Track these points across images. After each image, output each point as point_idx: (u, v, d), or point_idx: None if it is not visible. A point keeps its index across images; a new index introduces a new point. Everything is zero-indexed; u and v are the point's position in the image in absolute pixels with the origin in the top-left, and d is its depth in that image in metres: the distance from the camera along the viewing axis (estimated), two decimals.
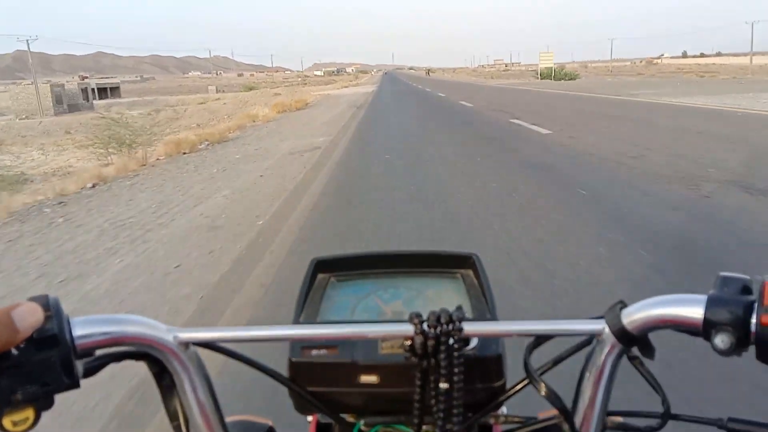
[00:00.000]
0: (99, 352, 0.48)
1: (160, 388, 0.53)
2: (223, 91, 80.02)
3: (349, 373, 0.54)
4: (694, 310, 0.45)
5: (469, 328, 0.49)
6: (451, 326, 0.48)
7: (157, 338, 0.49)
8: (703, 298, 0.45)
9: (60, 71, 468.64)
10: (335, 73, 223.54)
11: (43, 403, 0.42)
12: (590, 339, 0.52)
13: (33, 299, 0.43)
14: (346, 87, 46.18)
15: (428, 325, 0.49)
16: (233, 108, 35.28)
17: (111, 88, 72.15)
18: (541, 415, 0.59)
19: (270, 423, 0.71)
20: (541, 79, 52.13)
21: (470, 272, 0.70)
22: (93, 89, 66.98)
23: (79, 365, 0.45)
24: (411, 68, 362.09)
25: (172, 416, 0.54)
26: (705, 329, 0.44)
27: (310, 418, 0.67)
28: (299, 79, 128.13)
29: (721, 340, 0.43)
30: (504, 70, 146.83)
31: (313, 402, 0.55)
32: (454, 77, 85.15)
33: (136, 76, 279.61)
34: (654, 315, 0.47)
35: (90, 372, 0.47)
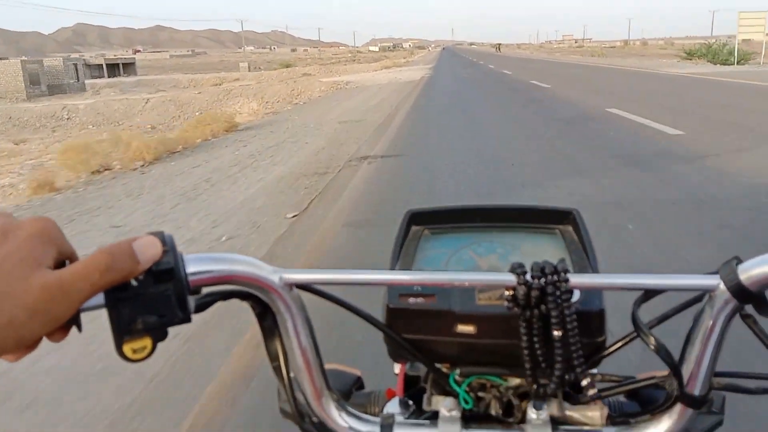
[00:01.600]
0: (207, 290, 0.49)
1: (262, 329, 0.54)
2: (260, 68, 70.49)
3: (446, 322, 0.53)
4: None
5: (574, 280, 0.48)
6: (555, 277, 0.47)
7: (264, 278, 0.50)
8: None
9: (117, 44, 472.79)
10: (391, 48, 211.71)
11: (158, 333, 0.43)
12: (700, 297, 0.50)
13: (151, 234, 0.44)
14: (388, 69, 34.93)
15: (532, 276, 0.48)
16: (220, 99, 24.16)
17: (125, 64, 61.97)
18: (639, 376, 0.56)
19: (359, 373, 0.70)
20: (690, 58, 32.90)
21: (569, 228, 0.67)
22: (102, 65, 57.88)
23: (192, 300, 0.46)
24: (472, 44, 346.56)
25: (273, 356, 0.55)
26: None
27: (397, 369, 0.65)
28: (349, 55, 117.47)
29: None
30: (577, 47, 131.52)
31: (409, 349, 0.55)
32: (526, 54, 71.94)
33: (188, 51, 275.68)
34: None
35: (200, 308, 0.48)
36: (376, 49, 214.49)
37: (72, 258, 0.44)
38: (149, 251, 0.43)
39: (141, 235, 0.44)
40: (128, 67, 63.71)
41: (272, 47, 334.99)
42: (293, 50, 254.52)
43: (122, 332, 0.42)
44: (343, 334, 2.20)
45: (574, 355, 0.49)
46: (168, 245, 0.44)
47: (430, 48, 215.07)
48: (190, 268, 0.46)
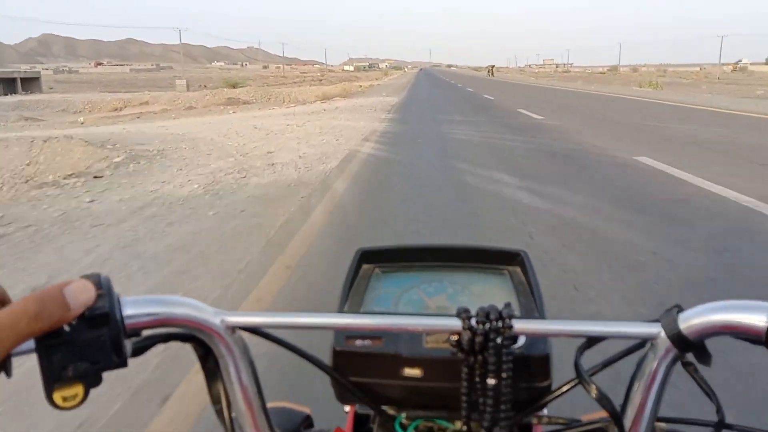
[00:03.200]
0: (146, 333, 0.48)
1: (204, 371, 0.53)
2: (204, 87, 59.31)
3: (393, 366, 0.54)
4: (757, 318, 0.43)
5: (518, 325, 0.48)
6: (500, 323, 0.47)
7: (205, 321, 0.49)
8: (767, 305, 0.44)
9: (84, 57, 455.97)
10: (367, 68, 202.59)
11: (92, 380, 0.42)
12: (643, 342, 0.50)
13: (85, 277, 0.43)
14: (329, 100, 23.26)
15: (477, 321, 0.48)
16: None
17: (25, 79, 49.53)
18: (585, 418, 0.57)
19: (308, 411, 0.71)
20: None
21: (518, 269, 0.68)
22: None
23: (128, 344, 0.45)
24: (450, 66, 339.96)
25: (215, 399, 0.54)
26: None
27: (347, 408, 0.66)
28: (319, 74, 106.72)
29: None
30: (563, 72, 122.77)
31: (355, 392, 0.55)
32: (518, 78, 61.64)
33: (152, 65, 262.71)
34: (714, 321, 0.45)
35: (138, 352, 0.47)
36: (351, 68, 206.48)
37: (2, 300, 0.42)
38: (81, 296, 0.41)
39: (74, 279, 0.41)
40: (31, 82, 51.29)
41: (244, 63, 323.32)
42: (265, 67, 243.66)
43: (53, 380, 0.41)
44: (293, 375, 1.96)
45: (502, 407, 0.49)
46: (104, 288, 0.43)
47: (406, 69, 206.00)
48: (127, 311, 0.45)
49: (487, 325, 0.47)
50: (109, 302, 0.42)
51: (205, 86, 61.52)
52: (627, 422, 0.50)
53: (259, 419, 0.54)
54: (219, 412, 0.53)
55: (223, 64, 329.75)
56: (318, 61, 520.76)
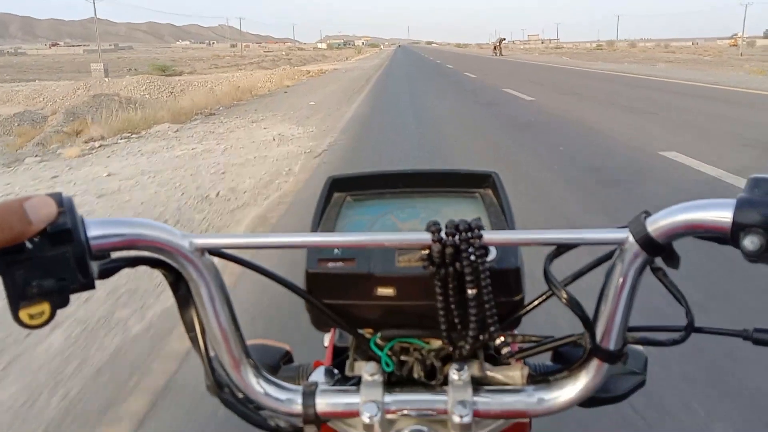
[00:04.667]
0: (114, 255, 0.47)
1: (176, 298, 0.53)
2: (135, 70, 47.86)
3: (366, 286, 0.54)
4: (722, 214, 0.43)
5: (488, 236, 0.48)
6: (469, 234, 0.47)
7: (172, 242, 0.48)
8: (732, 201, 0.43)
9: (43, 37, 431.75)
10: (341, 45, 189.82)
11: (58, 299, 0.41)
12: (611, 254, 0.51)
13: (47, 194, 0.42)
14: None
15: (446, 233, 0.48)
16: None
17: None
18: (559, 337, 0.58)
19: (287, 347, 0.70)
20: None
21: (489, 191, 0.69)
22: None
23: (94, 266, 0.44)
24: (430, 42, 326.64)
25: (189, 327, 0.53)
26: (733, 233, 0.43)
27: (326, 342, 0.66)
28: (282, 53, 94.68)
29: (751, 241, 0.42)
30: (555, 48, 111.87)
31: (329, 314, 0.55)
32: (523, 57, 50.37)
33: (110, 44, 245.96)
34: (680, 220, 0.45)
35: (105, 274, 0.46)
36: (324, 46, 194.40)
37: None
38: (42, 211, 0.40)
39: (34, 194, 0.41)
40: None
41: (211, 42, 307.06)
42: (233, 45, 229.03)
43: (17, 297, 0.40)
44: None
45: (488, 314, 0.49)
46: (65, 206, 0.42)
47: (382, 46, 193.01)
48: (92, 232, 0.44)
49: (457, 237, 0.47)
50: (72, 220, 0.42)
51: (136, 70, 50.26)
52: (598, 331, 0.51)
53: (234, 347, 0.54)
54: (193, 339, 0.53)
55: (188, 42, 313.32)
56: (292, 39, 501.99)
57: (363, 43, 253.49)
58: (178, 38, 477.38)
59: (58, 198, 0.42)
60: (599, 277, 0.52)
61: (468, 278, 0.48)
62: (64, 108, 14.32)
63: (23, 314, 0.41)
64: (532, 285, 0.54)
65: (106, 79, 37.62)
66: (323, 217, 0.64)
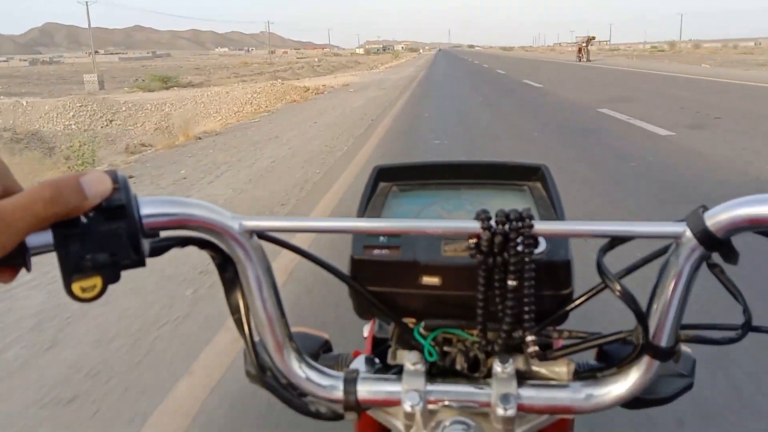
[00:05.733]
0: (164, 234, 0.47)
1: (222, 280, 0.53)
2: (140, 79, 41.51)
3: (411, 274, 0.53)
4: None
5: (539, 226, 0.47)
6: (520, 224, 0.46)
7: (222, 224, 0.48)
8: None
9: (87, 45, 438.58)
10: (379, 51, 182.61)
11: (110, 273, 0.42)
12: (666, 248, 0.50)
13: (102, 171, 0.43)
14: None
15: (496, 222, 0.47)
16: None
17: None
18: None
19: (326, 336, 0.69)
20: None
21: (538, 184, 0.67)
22: None
23: (146, 243, 0.45)
24: (472, 46, 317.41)
25: (234, 309, 0.53)
26: None
27: (366, 333, 0.65)
28: (316, 60, 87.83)
29: None
30: (611, 50, 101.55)
31: (373, 302, 0.55)
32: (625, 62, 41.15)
33: (148, 52, 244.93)
34: (741, 214, 0.43)
35: (155, 252, 0.46)
36: (361, 51, 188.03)
37: (15, 188, 0.42)
38: (98, 187, 0.41)
39: (90, 170, 0.41)
40: None
41: (250, 49, 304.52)
42: (271, 52, 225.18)
43: (71, 270, 0.41)
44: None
45: (525, 309, 0.48)
46: (120, 183, 0.42)
47: (421, 50, 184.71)
48: (144, 210, 0.44)
49: (507, 226, 0.46)
50: (126, 196, 0.42)
51: (143, 80, 43.84)
52: (651, 327, 0.49)
53: (279, 331, 0.54)
54: (238, 321, 0.53)
55: (227, 50, 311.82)
56: (334, 45, 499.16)
57: (402, 47, 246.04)
58: (219, 45, 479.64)
59: (114, 175, 0.42)
60: (652, 273, 0.50)
61: (512, 268, 0.47)
62: None
63: (75, 287, 0.41)
64: (580, 280, 0.53)
65: (97, 93, 31.41)
66: (368, 206, 0.63)
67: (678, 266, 0.47)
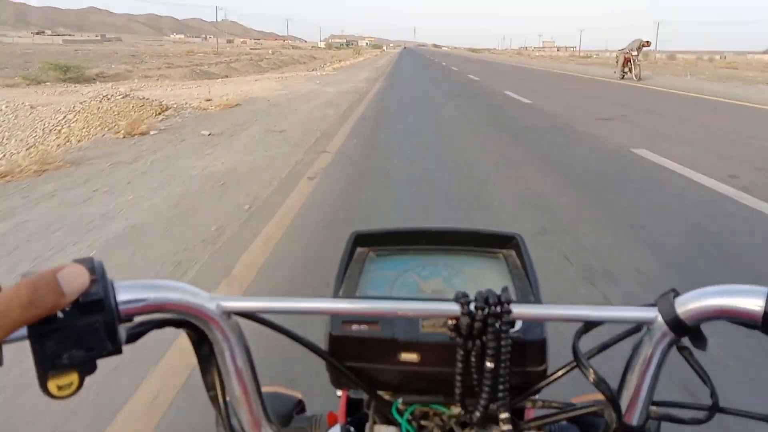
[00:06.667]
0: (140, 318, 0.46)
1: (198, 357, 0.52)
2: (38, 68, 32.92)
3: (389, 350, 0.54)
4: (754, 302, 0.43)
5: (517, 310, 0.48)
6: (498, 308, 0.47)
7: (200, 306, 0.48)
8: (765, 289, 0.44)
9: (36, 25, 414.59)
10: (342, 45, 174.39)
11: (86, 367, 0.41)
12: (639, 326, 0.51)
13: (78, 261, 0.41)
14: None
15: (475, 306, 0.48)
16: None
17: None
18: (577, 401, 0.58)
19: (299, 396, 0.71)
20: None
21: (512, 253, 0.69)
22: None
23: (122, 330, 0.43)
24: (437, 46, 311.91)
25: (210, 386, 0.53)
26: (765, 322, 0.43)
27: (339, 392, 0.66)
28: (269, 53, 79.65)
29: None
30: (584, 57, 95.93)
31: (351, 377, 0.55)
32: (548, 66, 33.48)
33: (96, 35, 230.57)
34: (710, 305, 0.45)
35: (132, 338, 0.46)
36: (323, 45, 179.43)
37: None
38: (76, 282, 0.39)
39: (67, 264, 0.40)
40: None
41: (207, 37, 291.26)
42: (229, 41, 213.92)
43: (46, 367, 0.40)
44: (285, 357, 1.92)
45: (500, 387, 0.49)
46: (97, 273, 0.41)
47: (385, 47, 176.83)
48: (121, 296, 0.43)
49: (486, 310, 0.47)
50: (103, 288, 0.41)
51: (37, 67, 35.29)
52: (623, 405, 0.51)
53: (254, 404, 0.54)
54: (213, 399, 0.52)
55: (182, 36, 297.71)
56: (296, 37, 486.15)
57: (366, 43, 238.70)
58: (177, 32, 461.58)
59: (90, 265, 0.41)
60: (624, 343, 0.52)
61: (490, 352, 0.48)
62: None
63: (51, 385, 0.39)
64: (554, 349, 0.54)
65: None
66: (347, 272, 0.64)
67: (649, 349, 0.48)
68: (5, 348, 0.39)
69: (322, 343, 0.55)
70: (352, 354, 0.54)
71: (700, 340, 0.46)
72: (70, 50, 71.77)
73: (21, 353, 0.49)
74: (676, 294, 0.47)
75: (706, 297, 0.45)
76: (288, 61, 49.59)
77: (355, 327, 0.54)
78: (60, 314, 0.39)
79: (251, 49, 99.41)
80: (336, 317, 0.54)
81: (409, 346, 0.53)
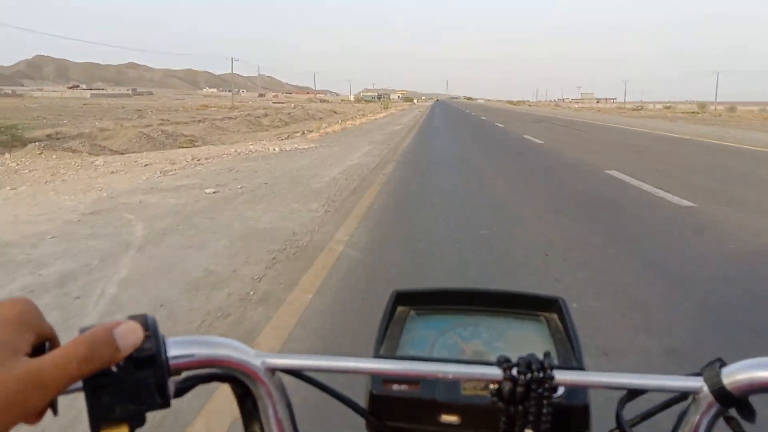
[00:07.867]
0: (188, 373, 0.48)
1: (241, 411, 0.53)
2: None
3: (430, 411, 0.54)
4: None
5: (559, 376, 0.48)
6: (542, 374, 0.47)
7: (246, 362, 0.49)
8: None
9: (76, 80, 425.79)
10: (373, 99, 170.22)
11: (137, 420, 0.42)
12: (684, 395, 0.50)
13: (133, 318, 0.43)
14: None
15: (518, 371, 0.48)
16: None
17: None
18: None
19: None
20: None
21: (555, 316, 0.67)
22: None
23: (171, 384, 0.45)
24: (469, 98, 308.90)
25: None
26: None
27: None
28: (291, 107, 73.72)
29: None
30: (633, 109, 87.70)
31: None
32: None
33: (128, 89, 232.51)
34: (758, 377, 0.44)
35: (180, 392, 0.47)
36: (352, 99, 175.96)
37: (51, 339, 0.42)
38: (130, 338, 0.41)
39: (122, 320, 0.42)
40: None
41: (241, 91, 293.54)
42: (261, 95, 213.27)
43: (99, 419, 0.41)
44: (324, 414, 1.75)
45: None
46: (150, 329, 0.43)
47: (416, 101, 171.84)
48: (172, 352, 0.45)
49: (528, 376, 0.47)
50: (156, 344, 0.43)
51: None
52: None
53: None
54: None
55: (215, 90, 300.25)
56: (331, 91, 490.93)
57: (399, 97, 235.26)
58: (212, 86, 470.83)
59: (144, 321, 0.43)
60: (669, 413, 0.51)
61: (531, 418, 0.47)
62: None
63: None
64: (596, 413, 0.53)
65: None
66: (387, 331, 0.64)
67: (694, 419, 0.47)
68: (60, 398, 0.40)
69: (362, 401, 0.55)
70: (392, 414, 0.54)
71: (748, 411, 0.45)
72: (78, 104, 67.32)
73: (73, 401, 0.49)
74: (722, 364, 0.46)
75: (754, 369, 0.43)
76: (300, 116, 42.76)
77: (395, 387, 0.54)
78: (114, 368, 0.41)
79: (274, 103, 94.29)
80: (377, 376, 0.54)
81: (450, 408, 0.53)
